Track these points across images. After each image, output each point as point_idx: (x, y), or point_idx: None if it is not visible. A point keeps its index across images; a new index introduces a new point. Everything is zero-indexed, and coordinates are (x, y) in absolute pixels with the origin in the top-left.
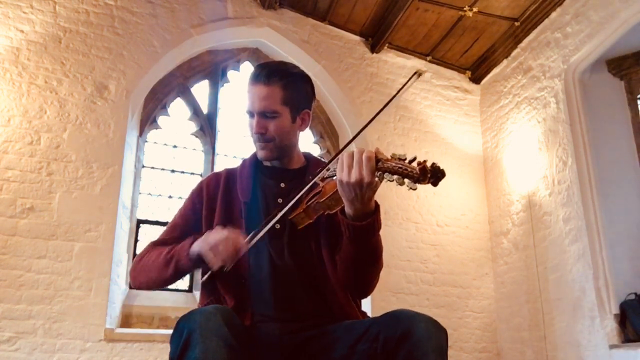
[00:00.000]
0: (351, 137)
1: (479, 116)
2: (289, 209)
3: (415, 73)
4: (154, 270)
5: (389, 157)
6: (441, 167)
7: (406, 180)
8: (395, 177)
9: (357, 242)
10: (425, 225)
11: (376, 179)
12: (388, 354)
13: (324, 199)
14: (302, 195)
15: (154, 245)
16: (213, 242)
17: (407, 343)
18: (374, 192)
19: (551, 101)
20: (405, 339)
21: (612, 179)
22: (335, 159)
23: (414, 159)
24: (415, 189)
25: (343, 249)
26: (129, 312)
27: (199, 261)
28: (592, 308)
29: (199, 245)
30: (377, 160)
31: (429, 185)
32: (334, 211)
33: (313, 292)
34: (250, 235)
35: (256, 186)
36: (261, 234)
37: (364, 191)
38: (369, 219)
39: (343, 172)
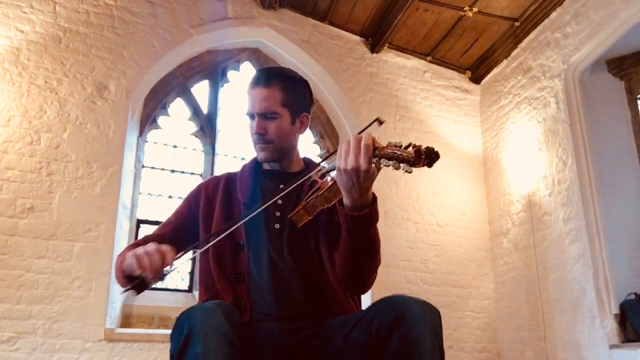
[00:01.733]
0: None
1: (479, 116)
2: (282, 196)
3: (375, 120)
4: (118, 270)
5: (385, 145)
6: (435, 149)
7: (402, 164)
8: (391, 162)
9: (355, 233)
10: (425, 225)
11: (373, 165)
12: (383, 337)
13: (321, 192)
14: (299, 195)
15: (142, 240)
16: (139, 251)
17: (402, 325)
18: (372, 181)
19: (551, 101)
20: (399, 322)
21: (612, 179)
22: (332, 157)
23: (410, 144)
24: (410, 172)
25: (341, 242)
26: (129, 312)
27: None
28: (592, 308)
29: (128, 255)
30: (374, 148)
31: (422, 181)
32: (331, 203)
33: (312, 290)
34: (243, 217)
35: (256, 188)
36: (252, 214)
37: (362, 180)
38: (366, 210)
39: (341, 159)
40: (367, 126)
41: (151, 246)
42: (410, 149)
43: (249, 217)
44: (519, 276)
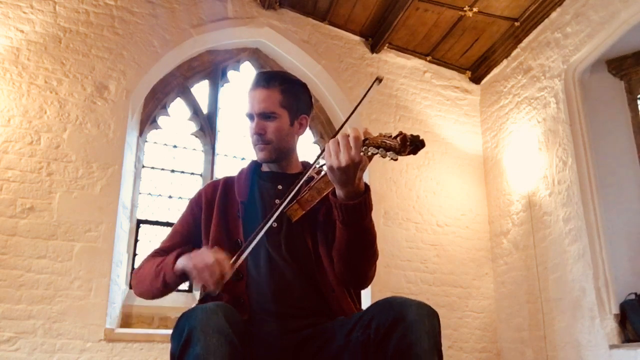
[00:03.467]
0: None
1: (479, 116)
2: (285, 206)
3: (376, 80)
4: (147, 282)
5: (376, 136)
6: (420, 137)
7: (388, 152)
8: (378, 150)
9: (350, 223)
10: (425, 225)
11: (361, 153)
12: (381, 339)
13: (313, 183)
14: (297, 192)
15: (154, 254)
16: (199, 264)
17: (400, 327)
18: (363, 171)
19: (551, 101)
20: (397, 324)
21: (612, 179)
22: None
23: (399, 133)
24: (396, 160)
25: (337, 235)
26: (129, 312)
27: (183, 277)
28: (592, 308)
29: (184, 263)
30: (365, 139)
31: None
32: (323, 195)
33: (311, 289)
34: (244, 244)
35: (254, 188)
36: (259, 236)
37: (355, 171)
38: (360, 198)
39: (332, 157)
40: (369, 88)
41: (208, 256)
42: (397, 138)
43: (271, 220)
44: (519, 276)
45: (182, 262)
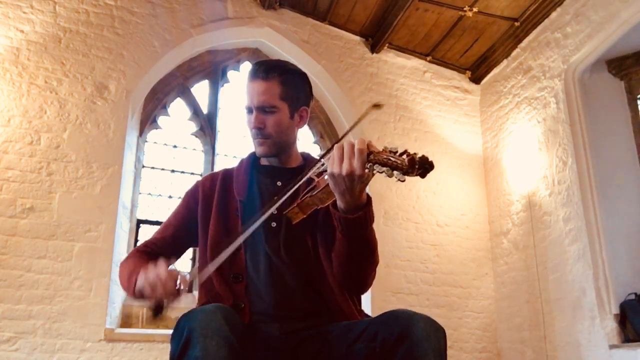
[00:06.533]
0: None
1: (479, 116)
2: (279, 204)
3: (374, 105)
4: (124, 283)
5: (381, 150)
6: (430, 160)
7: (395, 172)
8: (384, 168)
9: (349, 235)
10: (425, 225)
11: (366, 170)
12: (386, 353)
13: (316, 192)
14: (296, 191)
15: (141, 248)
16: (152, 278)
17: (406, 343)
18: (365, 184)
19: (551, 101)
20: (403, 339)
21: (612, 179)
22: (330, 154)
23: (405, 151)
24: (403, 181)
25: (337, 244)
26: (129, 312)
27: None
28: (592, 308)
29: (139, 281)
30: (369, 152)
31: (422, 181)
32: (325, 204)
33: (310, 290)
34: (243, 233)
35: (252, 184)
36: (251, 229)
37: (355, 184)
38: (360, 212)
39: (334, 164)
40: (363, 114)
41: (163, 270)
42: (404, 156)
43: (261, 220)
44: (519, 276)
45: (139, 277)
